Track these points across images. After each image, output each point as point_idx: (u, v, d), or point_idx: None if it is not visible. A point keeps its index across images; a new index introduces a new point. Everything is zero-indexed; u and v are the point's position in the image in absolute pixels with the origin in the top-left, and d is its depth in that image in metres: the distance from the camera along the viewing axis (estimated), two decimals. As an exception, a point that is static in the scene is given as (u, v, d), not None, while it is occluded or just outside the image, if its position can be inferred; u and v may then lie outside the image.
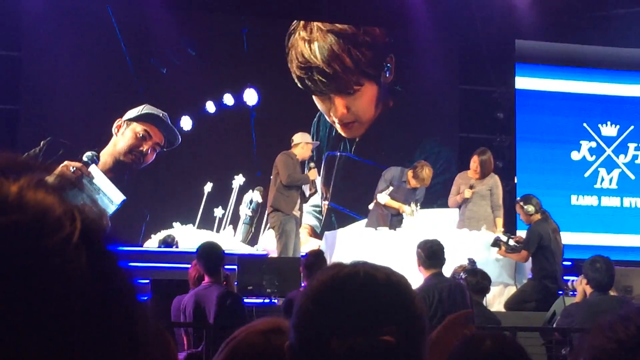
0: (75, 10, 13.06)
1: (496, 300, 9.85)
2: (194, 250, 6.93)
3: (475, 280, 7.86)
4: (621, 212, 14.29)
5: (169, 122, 12.12)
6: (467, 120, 14.32)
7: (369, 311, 1.52)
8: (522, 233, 10.43)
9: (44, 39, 12.76)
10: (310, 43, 12.16)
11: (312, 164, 11.02)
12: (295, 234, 10.65)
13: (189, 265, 7.15)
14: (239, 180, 12.26)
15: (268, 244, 11.65)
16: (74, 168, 10.69)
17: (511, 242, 9.87)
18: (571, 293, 8.81)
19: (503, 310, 9.71)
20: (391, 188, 10.78)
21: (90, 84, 12.91)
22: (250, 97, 12.62)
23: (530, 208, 9.78)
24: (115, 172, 11.54)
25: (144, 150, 11.77)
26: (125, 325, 0.76)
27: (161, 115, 12.00)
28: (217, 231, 12.06)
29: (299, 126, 11.57)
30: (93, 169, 11.01)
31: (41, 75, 12.91)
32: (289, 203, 10.53)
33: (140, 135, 11.83)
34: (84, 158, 11.18)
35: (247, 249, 12.06)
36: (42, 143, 11.83)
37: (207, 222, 12.43)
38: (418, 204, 10.91)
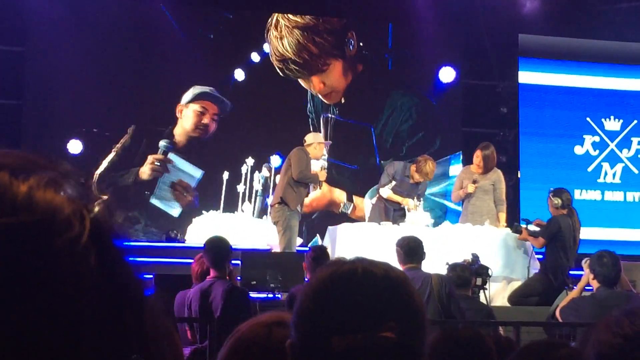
0: (79, 5, 13.07)
1: (499, 295, 9.84)
2: (198, 245, 6.93)
3: (455, 274, 7.85)
4: (624, 207, 14.29)
5: (217, 94, 13.69)
6: (470, 114, 14.31)
7: (368, 308, 1.52)
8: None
9: (48, 34, 12.78)
10: (281, 39, 13.93)
11: (323, 165, 11.21)
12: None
13: (192, 261, 7.14)
14: (249, 162, 13.05)
15: (271, 239, 11.67)
16: (159, 162, 13.04)
17: (531, 228, 10.12)
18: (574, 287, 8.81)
19: (506, 305, 9.71)
20: (394, 182, 10.79)
21: (94, 79, 12.93)
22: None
23: (558, 201, 9.90)
24: (191, 147, 13.45)
25: (206, 122, 13.61)
26: (134, 322, 0.76)
27: (209, 90, 13.64)
28: (242, 206, 12.88)
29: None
30: (171, 155, 13.13)
31: (44, 70, 12.93)
32: (296, 198, 10.65)
33: (199, 111, 13.58)
34: (161, 147, 13.12)
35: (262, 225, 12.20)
36: (129, 130, 13.16)
37: (230, 205, 12.95)
38: (421, 199, 10.92)
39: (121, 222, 0.79)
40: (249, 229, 12.04)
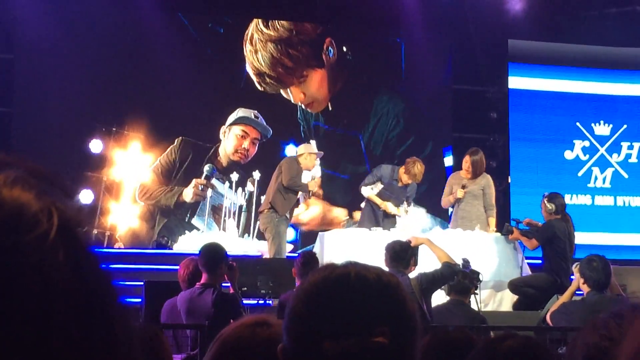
0: (70, 13, 13.05)
1: (490, 300, 9.85)
2: (188, 252, 6.92)
3: (457, 280, 7.89)
4: (615, 211, 14.32)
5: (261, 119, 13.78)
6: (460, 120, 14.34)
7: (361, 312, 1.51)
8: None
9: (38, 41, 12.75)
10: (255, 53, 13.87)
11: (315, 176, 11.29)
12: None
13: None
14: (233, 177, 13.19)
15: (261, 245, 11.67)
16: (202, 186, 13.25)
17: (521, 226, 10.19)
18: None
19: (497, 310, 9.72)
20: (381, 185, 10.80)
21: (84, 86, 12.91)
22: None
23: (552, 207, 9.92)
24: (231, 170, 13.45)
25: (246, 146, 13.73)
26: (103, 323, 0.75)
27: (252, 115, 13.70)
28: (224, 225, 12.95)
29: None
30: (214, 181, 13.34)
31: (35, 77, 12.89)
32: (285, 204, 10.73)
33: (240, 135, 13.71)
34: (205, 172, 13.32)
35: (246, 244, 12.20)
36: (176, 142, 13.44)
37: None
38: (411, 202, 10.93)
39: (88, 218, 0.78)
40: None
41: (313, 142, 11.54)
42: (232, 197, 13.06)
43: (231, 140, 13.67)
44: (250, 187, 13.08)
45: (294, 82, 13.98)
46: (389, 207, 10.73)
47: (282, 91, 14.02)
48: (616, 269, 8.01)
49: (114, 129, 13.16)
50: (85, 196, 12.74)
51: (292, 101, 14.01)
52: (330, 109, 14.17)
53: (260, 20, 13.84)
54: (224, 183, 13.28)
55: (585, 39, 14.35)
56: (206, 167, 13.38)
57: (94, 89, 13.02)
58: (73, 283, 0.73)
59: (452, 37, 14.45)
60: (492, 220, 10.60)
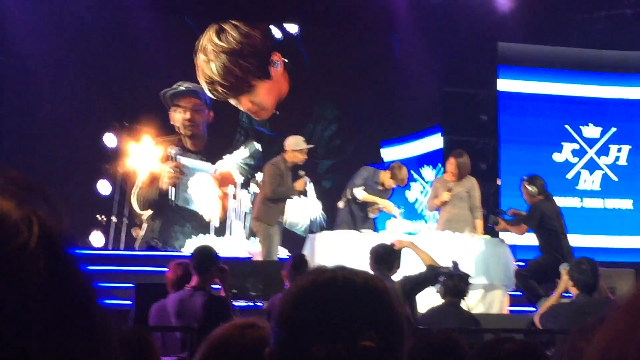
0: (56, 14, 13.03)
1: (479, 304, 9.86)
2: (179, 253, 6.92)
3: (452, 283, 7.92)
4: (603, 214, 14.35)
5: (185, 86, 14.17)
6: (450, 122, 14.35)
7: (348, 316, 1.52)
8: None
9: (25, 42, 12.71)
10: (208, 63, 14.41)
11: (302, 172, 10.89)
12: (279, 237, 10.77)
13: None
14: (237, 179, 13.77)
15: (252, 247, 11.66)
16: (172, 169, 13.64)
17: (506, 217, 10.24)
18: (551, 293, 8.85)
19: (486, 312, 9.73)
20: (362, 187, 10.79)
21: (72, 87, 12.92)
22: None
23: (534, 189, 9.96)
24: (196, 144, 14.06)
25: (188, 117, 14.05)
26: (84, 331, 0.75)
27: (175, 88, 14.04)
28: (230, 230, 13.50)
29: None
30: (181, 159, 13.75)
31: (23, 79, 12.86)
32: (272, 214, 10.60)
33: (176, 112, 14.01)
34: (171, 154, 13.75)
35: (252, 246, 12.32)
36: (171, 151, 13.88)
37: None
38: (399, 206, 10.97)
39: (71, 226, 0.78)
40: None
41: (300, 138, 11.10)
42: (204, 166, 13.78)
43: (176, 120, 14.14)
44: (254, 188, 13.19)
45: (243, 91, 14.59)
46: (391, 206, 10.73)
47: (230, 100, 14.61)
48: (605, 272, 8.03)
49: (125, 123, 13.64)
50: (103, 187, 13.51)
51: (241, 108, 14.62)
52: (277, 113, 14.80)
53: (213, 31, 14.41)
54: (195, 158, 13.87)
55: (575, 41, 14.38)
56: (170, 150, 13.82)
57: (82, 88, 13.06)
58: (54, 292, 0.73)
59: (442, 39, 14.46)
60: (479, 222, 10.60)
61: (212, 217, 13.56)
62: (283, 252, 11.21)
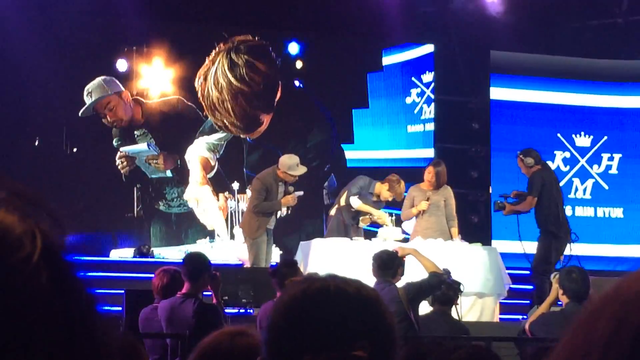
0: (46, 7, 12.98)
1: (470, 311, 9.86)
2: (168, 260, 6.91)
3: (441, 291, 7.94)
4: (595, 222, 14.37)
5: (93, 83, 13.50)
6: (442, 130, 14.36)
7: (340, 326, 1.51)
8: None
9: (14, 37, 12.64)
10: (223, 103, 13.62)
11: (291, 188, 10.75)
12: (268, 244, 10.73)
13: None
14: (234, 186, 13.54)
15: (243, 254, 11.65)
16: (122, 159, 13.60)
17: (510, 200, 10.49)
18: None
19: (478, 320, 9.74)
20: (357, 196, 10.80)
21: (63, 80, 12.91)
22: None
23: (530, 160, 10.28)
24: (132, 129, 13.80)
25: (109, 115, 13.57)
26: (86, 340, 0.75)
27: (86, 90, 13.37)
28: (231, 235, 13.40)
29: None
30: (125, 148, 13.63)
31: (13, 73, 12.78)
32: (258, 226, 10.61)
33: (99, 114, 13.55)
34: (115, 144, 13.61)
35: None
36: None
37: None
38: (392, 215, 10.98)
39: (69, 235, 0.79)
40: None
41: (295, 159, 10.92)
42: (142, 147, 13.65)
43: (107, 121, 13.58)
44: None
45: (255, 128, 13.92)
46: (386, 218, 10.75)
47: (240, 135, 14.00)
48: (596, 280, 8.05)
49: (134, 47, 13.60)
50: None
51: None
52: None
53: (225, 63, 13.58)
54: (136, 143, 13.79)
55: (567, 50, 14.42)
56: (114, 141, 13.65)
57: (74, 82, 13.06)
58: (56, 306, 0.74)
59: (435, 47, 14.48)
60: (455, 230, 10.65)
61: (216, 226, 13.44)
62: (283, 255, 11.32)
